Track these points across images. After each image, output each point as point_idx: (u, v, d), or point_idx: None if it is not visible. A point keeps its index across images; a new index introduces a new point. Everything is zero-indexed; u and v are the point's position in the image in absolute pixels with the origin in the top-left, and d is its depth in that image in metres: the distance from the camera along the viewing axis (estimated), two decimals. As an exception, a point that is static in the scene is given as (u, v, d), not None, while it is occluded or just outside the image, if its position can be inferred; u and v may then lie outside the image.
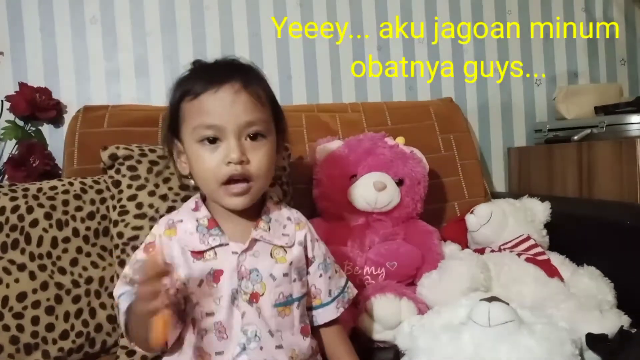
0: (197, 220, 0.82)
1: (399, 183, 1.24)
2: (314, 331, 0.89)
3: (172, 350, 0.80)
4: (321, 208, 1.28)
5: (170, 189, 1.13)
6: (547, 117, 1.85)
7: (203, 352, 0.77)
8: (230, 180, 0.77)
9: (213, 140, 0.77)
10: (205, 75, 0.79)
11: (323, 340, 0.90)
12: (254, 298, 0.79)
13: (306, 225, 0.89)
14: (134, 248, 1.07)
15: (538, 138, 1.74)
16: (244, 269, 0.79)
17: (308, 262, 0.88)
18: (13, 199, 1.07)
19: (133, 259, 0.82)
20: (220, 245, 0.80)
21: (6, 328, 0.98)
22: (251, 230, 0.82)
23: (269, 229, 0.83)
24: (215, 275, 0.78)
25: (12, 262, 1.02)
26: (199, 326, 0.78)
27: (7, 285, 1.00)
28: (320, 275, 0.89)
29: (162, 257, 0.72)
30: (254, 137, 0.78)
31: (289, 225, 0.87)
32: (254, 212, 0.84)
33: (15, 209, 1.06)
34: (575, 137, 1.54)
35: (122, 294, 0.78)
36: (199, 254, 0.79)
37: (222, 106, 0.76)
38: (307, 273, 0.88)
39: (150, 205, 1.10)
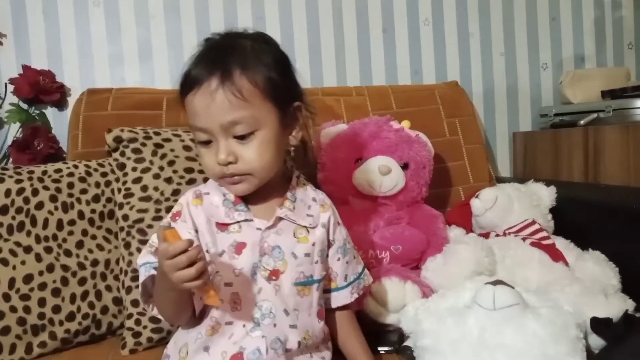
0: (223, 195, 0.82)
1: (404, 167, 1.23)
2: (326, 314, 0.89)
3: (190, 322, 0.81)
4: (326, 192, 1.27)
5: (175, 171, 1.12)
6: (553, 102, 1.84)
7: (216, 321, 0.78)
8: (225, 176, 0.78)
9: (206, 140, 0.78)
10: (193, 69, 0.77)
11: (336, 323, 0.91)
12: (273, 275, 0.79)
13: (330, 208, 0.89)
14: (140, 230, 1.08)
15: (544, 122, 1.73)
16: (266, 245, 0.80)
17: (329, 244, 0.88)
18: (18, 181, 1.07)
19: (160, 228, 0.82)
20: (245, 220, 0.80)
21: (13, 309, 0.99)
22: (276, 208, 0.82)
23: (294, 209, 0.84)
24: (238, 247, 0.79)
25: (18, 244, 1.03)
26: (204, 301, 0.78)
27: (14, 267, 1.01)
28: (339, 259, 0.89)
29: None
30: (240, 136, 0.76)
31: (313, 206, 0.87)
32: (279, 190, 0.85)
33: (20, 191, 1.06)
34: (582, 122, 1.53)
35: (145, 263, 0.78)
36: (223, 226, 0.80)
37: (202, 108, 0.75)
38: (327, 256, 0.88)
39: (155, 188, 1.10)
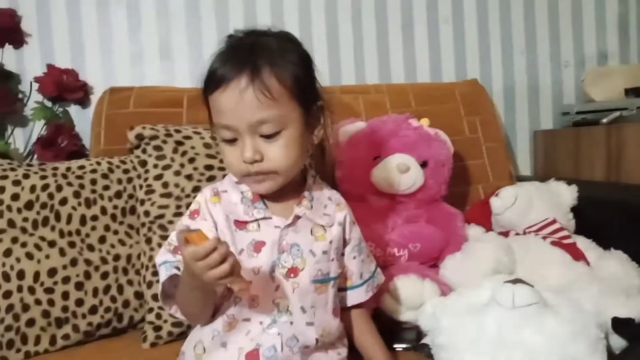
0: (241, 193, 0.83)
1: (423, 165, 1.23)
2: (341, 312, 0.90)
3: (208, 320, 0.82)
4: (343, 190, 1.27)
5: (195, 168, 1.14)
6: (575, 100, 1.81)
7: (233, 318, 0.79)
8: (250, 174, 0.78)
9: (231, 138, 0.78)
10: (220, 67, 0.76)
11: (351, 321, 0.92)
12: (292, 272, 0.80)
13: (346, 207, 0.90)
14: (161, 227, 1.10)
15: (565, 121, 1.71)
16: (285, 243, 0.80)
17: (344, 243, 0.88)
18: (43, 177, 1.09)
19: (179, 226, 0.83)
20: (264, 218, 0.81)
21: (38, 302, 1.01)
22: (293, 207, 0.83)
23: (311, 207, 0.84)
24: (257, 246, 0.79)
25: (42, 238, 1.05)
26: (235, 293, 0.79)
27: (39, 261, 1.03)
28: (354, 258, 0.89)
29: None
30: (266, 135, 0.76)
31: (329, 206, 0.87)
32: (296, 189, 0.85)
33: (45, 187, 1.08)
34: (604, 120, 1.51)
35: (165, 262, 0.79)
36: (242, 224, 0.81)
37: (230, 107, 0.75)
38: (342, 254, 0.88)
39: (176, 185, 1.12)
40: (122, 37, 1.53)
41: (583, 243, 1.18)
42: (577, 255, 1.13)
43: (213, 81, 0.77)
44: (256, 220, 0.81)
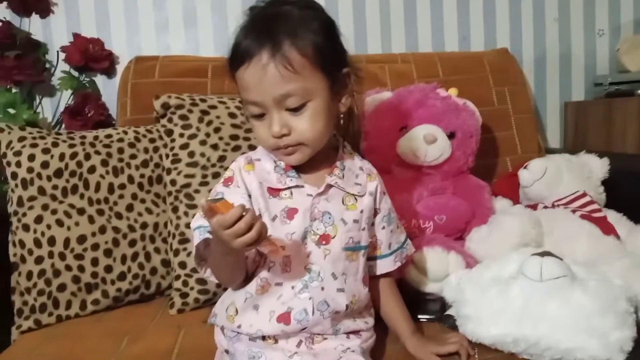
0: (274, 162, 0.84)
1: (450, 136, 1.20)
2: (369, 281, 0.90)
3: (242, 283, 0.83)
4: (369, 161, 1.26)
5: (220, 138, 1.14)
6: (608, 70, 1.75)
7: (266, 281, 0.81)
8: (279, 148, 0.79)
9: (259, 114, 0.78)
10: (242, 43, 0.76)
11: (379, 290, 0.92)
12: (323, 239, 0.81)
13: (377, 177, 0.90)
14: (187, 195, 1.11)
15: (598, 92, 1.66)
16: (317, 211, 0.81)
17: (375, 213, 0.89)
18: (71, 146, 1.10)
19: (213, 192, 0.84)
20: (297, 186, 0.82)
21: (69, 268, 1.04)
22: (325, 176, 0.83)
23: (343, 177, 0.84)
24: (289, 212, 0.80)
25: (72, 206, 1.07)
26: (268, 258, 0.80)
27: (68, 228, 1.05)
28: (383, 228, 0.90)
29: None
30: (292, 108, 0.76)
31: (361, 175, 0.88)
32: (328, 158, 0.85)
33: (73, 155, 1.10)
34: (639, 91, 1.46)
35: (199, 227, 0.80)
36: (275, 192, 0.82)
37: (254, 83, 0.75)
38: (372, 224, 0.89)
39: (202, 154, 1.12)
40: (147, 6, 1.52)
41: (614, 217, 1.16)
42: (607, 229, 1.10)
43: (236, 57, 0.77)
44: (289, 188, 0.82)
